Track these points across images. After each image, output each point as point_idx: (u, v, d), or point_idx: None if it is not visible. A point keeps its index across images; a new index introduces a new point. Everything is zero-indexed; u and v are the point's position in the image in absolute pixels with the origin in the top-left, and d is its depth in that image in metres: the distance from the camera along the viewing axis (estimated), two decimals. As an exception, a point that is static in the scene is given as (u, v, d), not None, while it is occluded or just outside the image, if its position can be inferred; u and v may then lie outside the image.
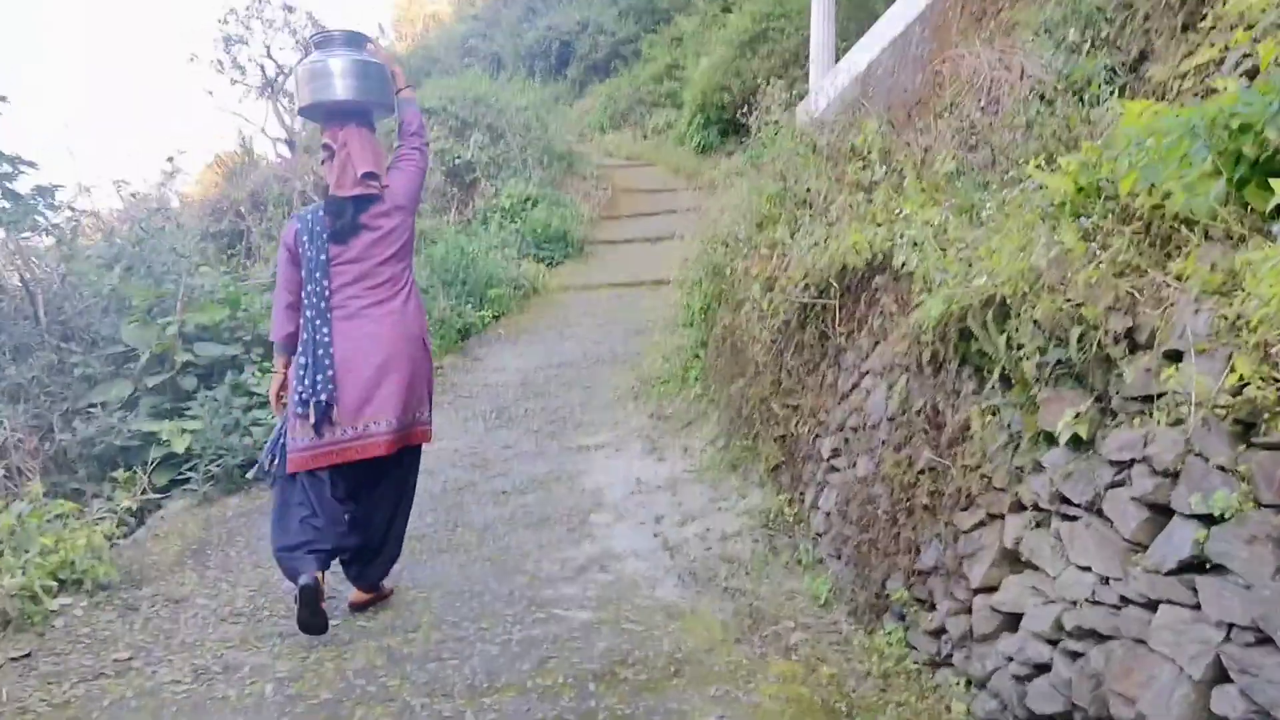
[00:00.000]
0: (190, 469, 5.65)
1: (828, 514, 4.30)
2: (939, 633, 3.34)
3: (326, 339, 3.65)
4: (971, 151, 4.62)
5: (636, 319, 10.13)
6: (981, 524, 3.15)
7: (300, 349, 3.71)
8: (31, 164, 7.46)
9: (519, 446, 6.48)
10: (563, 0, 29.41)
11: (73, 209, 8.45)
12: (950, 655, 3.25)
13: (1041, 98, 4.77)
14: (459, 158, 17.16)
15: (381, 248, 3.74)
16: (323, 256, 3.67)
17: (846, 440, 4.24)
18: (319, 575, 3.63)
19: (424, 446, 4.14)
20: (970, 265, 3.25)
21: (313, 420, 3.63)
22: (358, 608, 4.06)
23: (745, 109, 18.89)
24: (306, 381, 3.62)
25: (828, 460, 4.39)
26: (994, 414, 3.12)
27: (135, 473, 5.45)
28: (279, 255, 3.84)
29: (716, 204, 7.65)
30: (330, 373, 3.62)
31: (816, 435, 4.58)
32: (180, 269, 7.00)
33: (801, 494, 4.70)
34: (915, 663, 3.41)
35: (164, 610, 4.26)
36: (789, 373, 4.96)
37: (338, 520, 3.77)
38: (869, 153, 4.84)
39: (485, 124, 18.53)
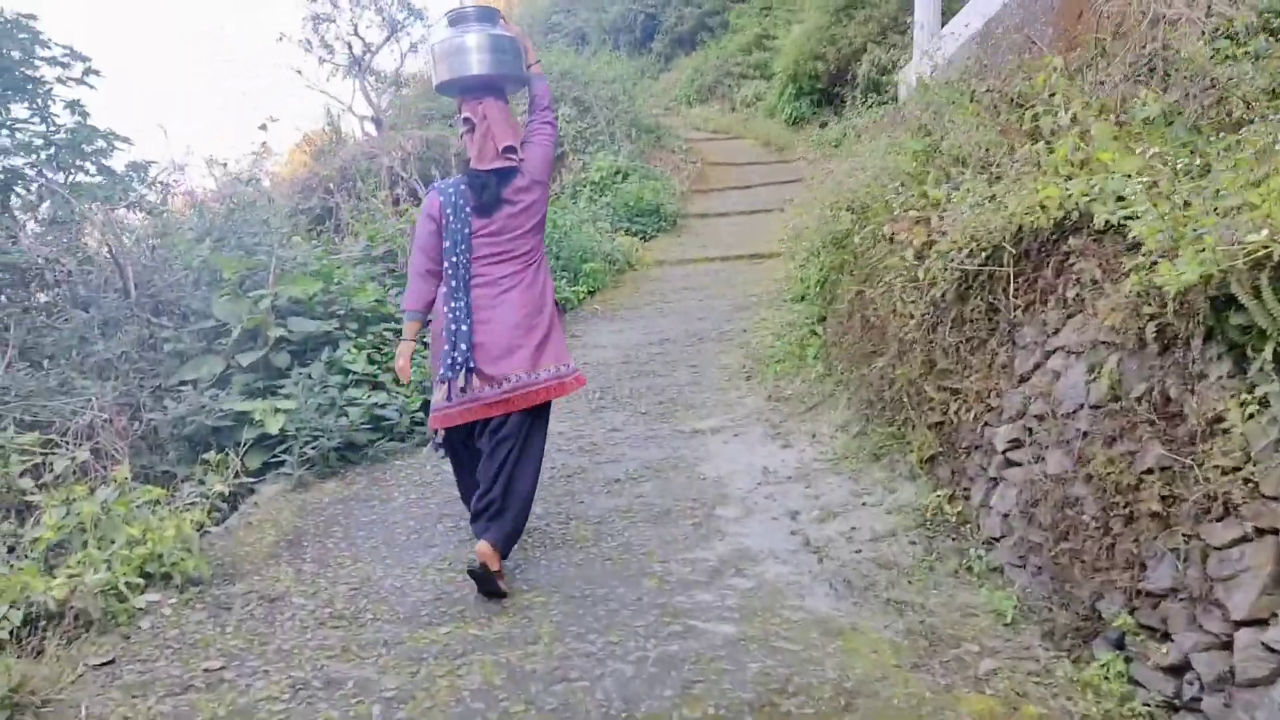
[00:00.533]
0: (285, 451, 5.23)
1: (1005, 516, 3.68)
2: (1179, 669, 2.71)
3: (464, 311, 3.75)
4: (1167, 93, 3.94)
5: (739, 294, 9.54)
6: (1244, 539, 2.52)
7: (446, 317, 3.79)
8: (126, 140, 7.15)
9: (628, 430, 5.95)
10: (648, -28, 28.76)
11: (164, 183, 8.18)
12: (1199, 699, 2.62)
13: (1230, 38, 4.07)
14: (547, 131, 16.68)
15: (522, 219, 3.82)
16: (466, 230, 3.74)
17: (1029, 430, 3.61)
18: (488, 554, 3.71)
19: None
20: (1225, 218, 2.60)
21: (460, 384, 3.76)
22: (480, 573, 3.74)
23: (842, 77, 18.11)
24: (454, 351, 3.73)
25: (1002, 453, 3.76)
26: (1263, 405, 2.48)
27: (227, 454, 5.06)
28: (420, 225, 3.91)
29: (841, 166, 6.94)
30: (467, 345, 3.72)
31: (985, 423, 3.96)
32: (271, 241, 6.60)
33: (965, 490, 4.08)
34: (1146, 705, 2.79)
35: (258, 610, 3.81)
36: (945, 351, 4.33)
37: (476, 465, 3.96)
38: (1051, 96, 4.16)
39: (572, 97, 18.01)
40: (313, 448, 5.21)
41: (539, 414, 3.97)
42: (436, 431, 4.04)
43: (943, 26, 15.77)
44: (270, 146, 14.86)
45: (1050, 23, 9.40)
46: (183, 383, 5.59)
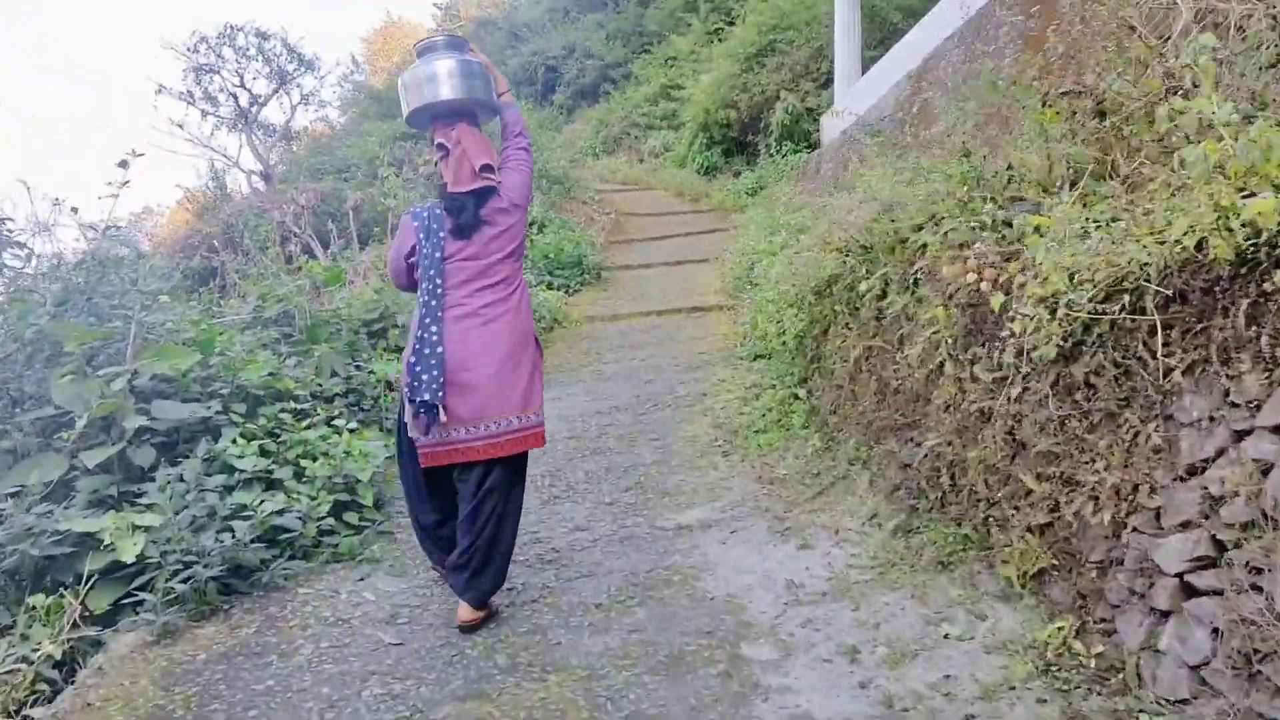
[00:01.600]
0: (145, 586, 3.80)
1: (1196, 667, 2.55)
2: None
3: (435, 338, 3.50)
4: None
5: (685, 351, 8.38)
6: None
7: (410, 345, 3.57)
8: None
9: (596, 528, 4.68)
10: (547, 26, 27.85)
11: (23, 246, 6.63)
12: None
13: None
14: (453, 181, 15.43)
15: (501, 243, 3.63)
16: (438, 254, 3.57)
17: (1220, 545, 2.51)
18: (472, 618, 3.62)
19: None
20: None
21: (423, 421, 3.53)
22: (468, 628, 3.64)
23: (754, 125, 17.30)
24: (416, 382, 3.48)
25: (1178, 575, 2.64)
26: None
27: (63, 595, 3.64)
28: (393, 250, 3.75)
29: (833, 204, 5.87)
30: (438, 374, 3.47)
31: (1133, 529, 2.84)
32: (133, 303, 5.17)
33: (1106, 623, 2.93)
34: None
35: None
36: (1043, 427, 3.22)
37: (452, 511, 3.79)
38: (1198, 84, 3.09)
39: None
40: (184, 579, 3.78)
41: (524, 460, 3.82)
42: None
43: (863, 72, 15.15)
44: (150, 205, 13.15)
45: (1010, 46, 8.64)
46: (13, 491, 4.13)
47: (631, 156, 22.16)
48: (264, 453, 4.71)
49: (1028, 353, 3.19)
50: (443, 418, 3.49)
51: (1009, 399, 3.38)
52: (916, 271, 4.37)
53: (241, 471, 4.39)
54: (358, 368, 6.38)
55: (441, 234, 3.60)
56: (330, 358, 6.21)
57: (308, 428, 5.01)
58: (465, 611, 3.62)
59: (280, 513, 4.33)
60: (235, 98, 22.65)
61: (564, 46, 26.33)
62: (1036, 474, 3.19)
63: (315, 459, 4.81)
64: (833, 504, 4.55)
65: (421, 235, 3.62)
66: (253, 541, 4.08)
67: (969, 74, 9.36)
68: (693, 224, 15.68)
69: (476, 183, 3.58)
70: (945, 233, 4.02)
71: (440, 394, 3.46)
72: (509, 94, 3.85)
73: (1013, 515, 3.28)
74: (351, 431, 4.96)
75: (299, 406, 5.16)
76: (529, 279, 11.24)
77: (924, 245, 4.30)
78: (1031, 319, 3.10)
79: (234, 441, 4.58)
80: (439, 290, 3.55)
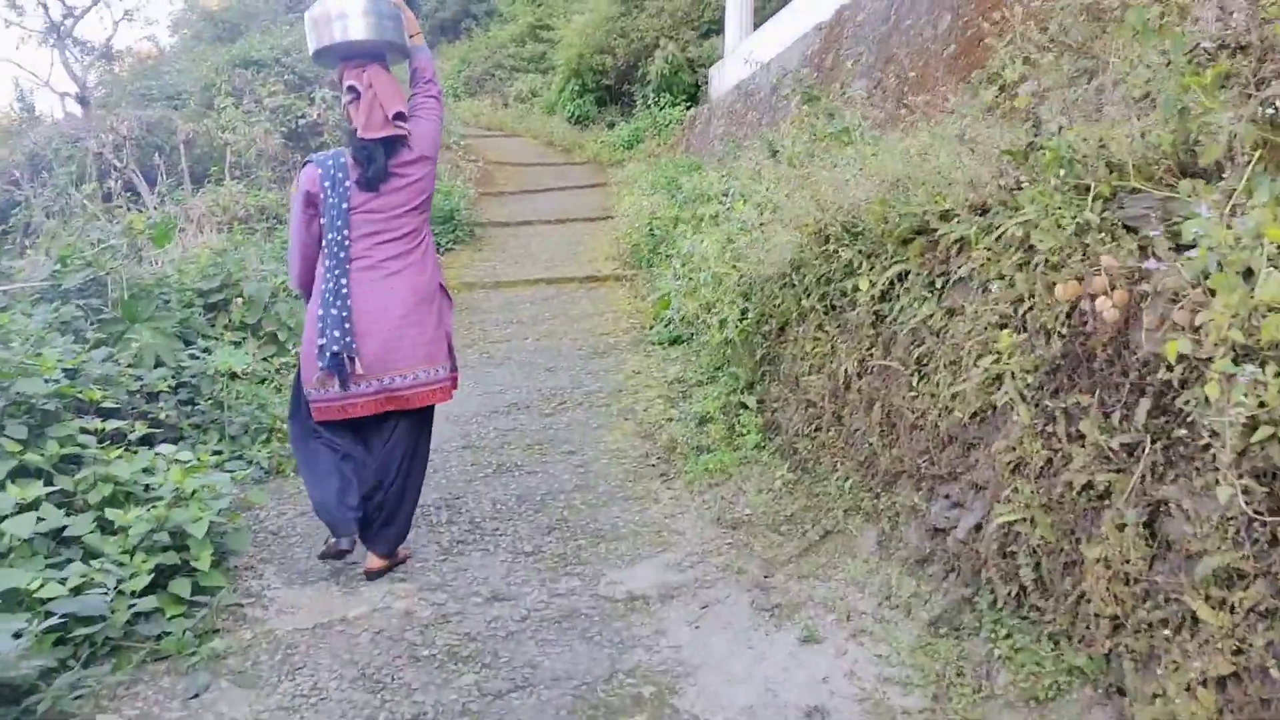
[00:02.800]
0: None
1: None
2: None
3: (345, 290, 3.36)
4: None
5: (583, 330, 7.19)
6: None
7: (319, 299, 3.39)
8: None
9: (521, 598, 3.45)
10: (403, -48, 25.61)
11: None
12: None
13: None
14: (302, 116, 13.60)
15: (409, 195, 3.46)
16: (344, 205, 3.38)
17: None
18: (380, 567, 3.57)
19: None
20: None
21: (334, 371, 3.37)
22: (374, 574, 3.59)
23: (631, 74, 16.04)
24: (327, 334, 3.34)
25: None
26: None
27: None
28: (295, 202, 3.47)
29: (802, 176, 4.75)
30: (348, 325, 3.35)
31: None
32: None
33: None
34: None
35: None
36: (1220, 527, 2.23)
37: (364, 475, 3.52)
38: None
39: (328, 80, 14.94)
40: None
41: (430, 414, 3.72)
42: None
43: (755, 26, 14.05)
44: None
45: (946, 9, 7.71)
46: None
47: (496, 100, 20.53)
48: (63, 499, 3.30)
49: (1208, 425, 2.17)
50: (357, 369, 3.37)
51: (1147, 477, 2.37)
52: (946, 272, 3.32)
53: (18, 537, 2.97)
54: (192, 356, 4.92)
55: (347, 183, 3.40)
56: (155, 343, 4.74)
57: (118, 453, 3.59)
58: (372, 561, 3.61)
59: (76, 590, 2.96)
60: (45, 7, 19.71)
61: (422, -24, 24.17)
62: (1208, 597, 2.21)
63: (129, 503, 3.42)
64: (828, 568, 3.48)
65: (326, 184, 3.41)
66: (26, 646, 2.71)
67: (895, 30, 8.43)
68: (568, 177, 14.36)
69: (388, 130, 3.38)
70: (1002, 229, 2.97)
71: (352, 343, 3.34)
72: (419, 36, 3.63)
73: (1165, 653, 2.29)
74: (182, 462, 3.55)
75: (108, 427, 3.71)
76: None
77: (961, 241, 3.25)
78: (1223, 378, 2.08)
79: (6, 485, 3.15)
80: (346, 242, 3.38)
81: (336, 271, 3.38)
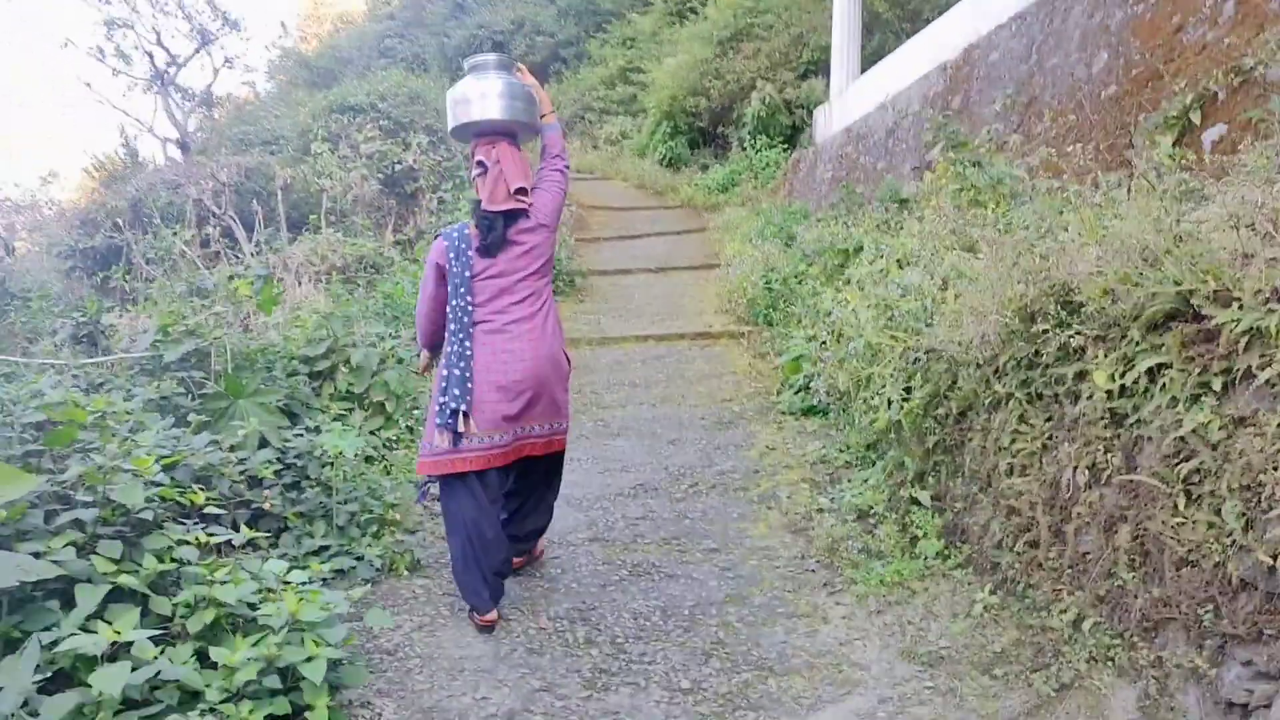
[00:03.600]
0: None
1: None
2: None
3: (469, 352, 3.52)
4: None
5: (702, 395, 6.58)
6: None
7: (443, 361, 3.59)
8: None
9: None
10: (494, -1, 25.61)
11: None
12: None
13: None
14: (398, 162, 13.32)
15: (526, 261, 3.59)
16: (467, 272, 3.55)
17: None
18: (496, 612, 3.60)
19: None
20: None
21: (450, 428, 3.48)
22: (515, 569, 3.98)
23: (726, 116, 15.49)
24: (449, 393, 3.49)
25: None
26: None
27: None
28: (426, 272, 3.70)
29: (991, 240, 4.11)
30: (469, 384, 3.50)
31: None
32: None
33: None
34: None
35: None
36: None
37: (495, 541, 3.58)
38: None
39: (424, 125, 14.71)
40: None
41: (559, 456, 3.92)
42: (428, 480, 3.73)
43: (862, 68, 13.42)
44: (55, 170, 10.89)
45: (1099, 46, 6.99)
46: None
47: (586, 143, 20.20)
48: (147, 621, 2.78)
49: None
50: (472, 427, 3.49)
51: None
52: (1229, 369, 2.64)
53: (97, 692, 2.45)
54: (298, 433, 4.43)
55: (469, 252, 3.58)
56: (260, 422, 4.25)
57: (224, 569, 3.06)
58: (520, 560, 4.03)
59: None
60: (151, 56, 20.00)
61: (512, 21, 24.17)
62: None
63: (234, 633, 2.89)
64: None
65: (451, 255, 3.60)
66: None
67: (1038, 70, 7.73)
68: (664, 221, 13.85)
69: (509, 204, 3.54)
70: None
71: (468, 403, 3.47)
72: (552, 114, 3.77)
73: None
74: (295, 585, 3.00)
75: (210, 536, 3.19)
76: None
77: (1253, 332, 2.57)
78: None
79: (88, 621, 2.64)
80: (469, 307, 3.55)
81: (460, 335, 3.54)
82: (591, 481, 5.14)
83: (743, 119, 15.74)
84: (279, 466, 4.17)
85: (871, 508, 4.32)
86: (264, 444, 4.33)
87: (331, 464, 4.14)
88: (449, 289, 3.60)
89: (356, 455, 4.19)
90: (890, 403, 4.36)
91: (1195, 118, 5.49)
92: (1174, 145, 5.58)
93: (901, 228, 7.40)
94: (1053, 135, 6.91)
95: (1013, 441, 3.55)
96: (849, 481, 4.76)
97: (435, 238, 3.71)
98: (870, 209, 8.46)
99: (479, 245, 3.56)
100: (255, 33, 33.48)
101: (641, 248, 12.16)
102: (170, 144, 20.62)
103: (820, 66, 15.71)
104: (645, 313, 9.01)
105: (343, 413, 4.94)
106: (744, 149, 15.72)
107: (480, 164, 3.59)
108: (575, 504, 4.81)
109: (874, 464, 4.76)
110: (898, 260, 5.85)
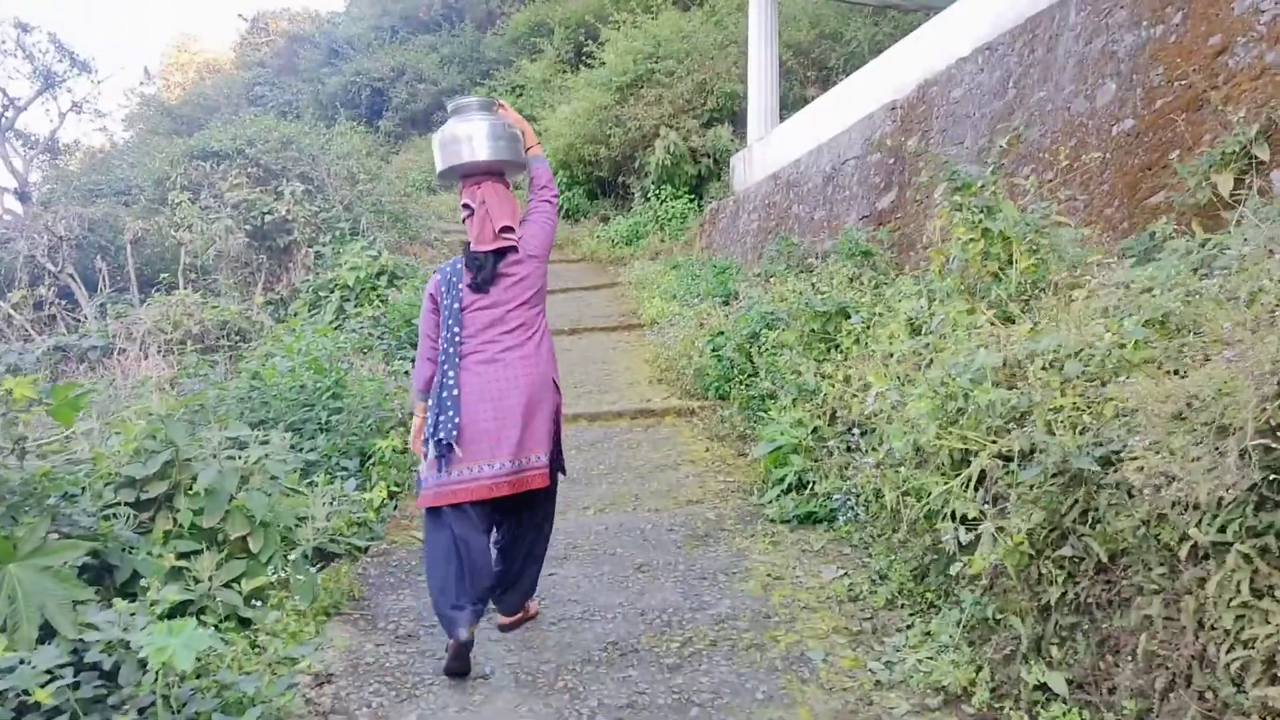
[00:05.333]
0: None
1: None
2: None
3: (453, 382, 3.48)
4: None
5: (660, 494, 5.18)
6: None
7: (432, 393, 3.52)
8: None
9: None
10: (373, 45, 23.93)
11: None
12: None
13: None
14: (269, 212, 11.54)
15: (516, 292, 3.54)
16: (456, 305, 3.52)
17: None
18: (473, 629, 3.35)
19: None
20: None
21: (438, 459, 3.42)
22: (506, 629, 3.74)
23: (628, 165, 14.26)
24: (433, 422, 3.44)
25: None
26: None
27: None
28: (423, 306, 3.67)
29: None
30: (453, 414, 3.42)
31: None
32: None
33: None
34: None
35: None
36: None
37: (483, 564, 3.44)
38: None
39: (297, 173, 12.96)
40: None
41: (550, 490, 3.71)
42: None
43: (782, 109, 12.37)
44: None
45: (1111, 75, 5.95)
46: None
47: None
48: None
49: None
50: (458, 453, 3.39)
51: None
52: None
53: None
54: (107, 612, 2.78)
55: (460, 286, 3.54)
56: (41, 596, 2.61)
57: None
58: (501, 620, 3.73)
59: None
60: (-15, 99, 17.57)
61: (392, 68, 22.55)
62: None
63: None
64: None
65: (444, 289, 3.56)
66: None
67: (1018, 105, 6.68)
68: (568, 277, 12.47)
69: (497, 243, 3.50)
70: None
71: (454, 433, 3.40)
72: (537, 147, 3.76)
73: None
74: None
75: None
76: (386, 347, 7.75)
77: None
78: None
79: None
80: (457, 339, 3.51)
81: (447, 366, 3.49)
82: (543, 640, 3.63)
83: (646, 168, 14.57)
84: (74, 662, 2.55)
85: (964, 689, 2.96)
86: (47, 635, 2.70)
87: (158, 675, 2.53)
88: (441, 321, 3.55)
89: (200, 659, 2.59)
90: (962, 526, 3.02)
91: (1262, 153, 4.45)
92: (1234, 185, 4.53)
93: (876, 286, 6.18)
94: (1050, 179, 5.84)
95: (1239, 624, 2.25)
96: (902, 633, 3.40)
97: (433, 274, 3.66)
98: (825, 263, 7.26)
99: (470, 281, 3.51)
100: (113, 78, 30.82)
101: (552, 306, 10.70)
102: (8, 194, 18.15)
103: (726, 114, 14.70)
104: (567, 384, 7.54)
105: (181, 564, 3.31)
106: (648, 199, 14.53)
107: (466, 206, 3.56)
108: (524, 684, 3.29)
109: (933, 606, 3.42)
110: (912, 328, 4.60)
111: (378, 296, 9.21)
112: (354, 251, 10.05)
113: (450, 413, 3.42)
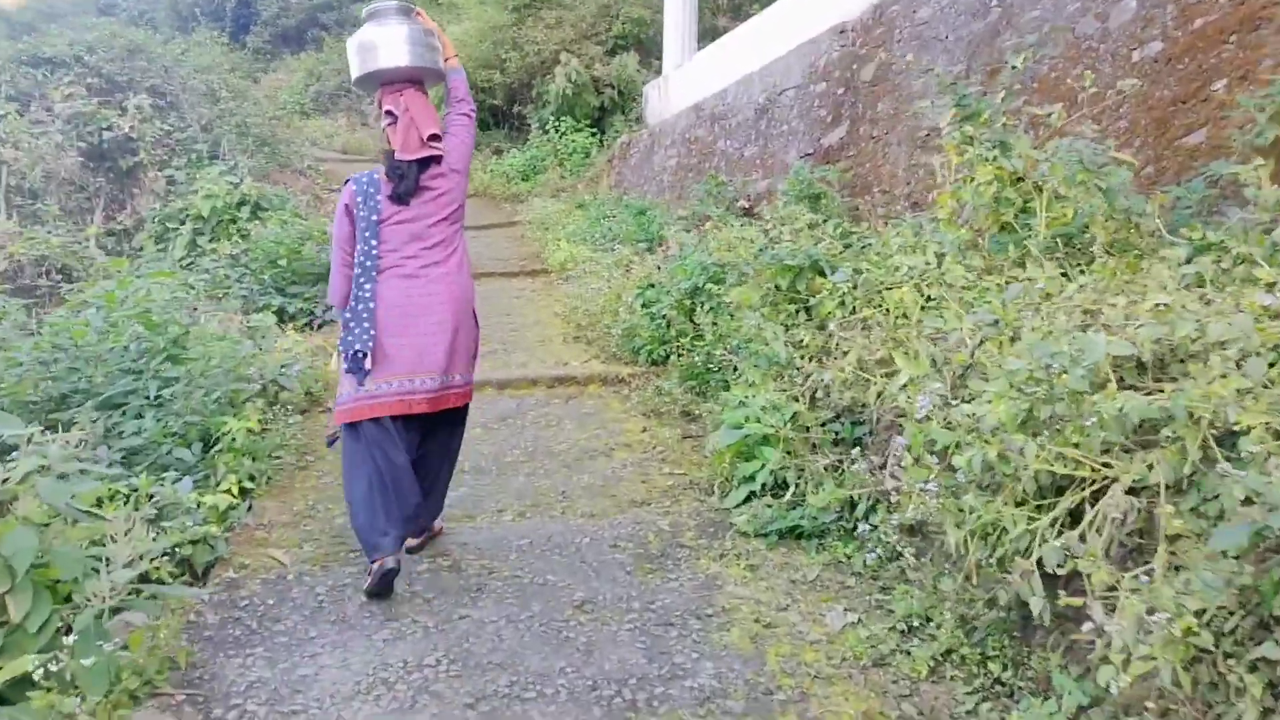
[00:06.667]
0: None
1: None
2: None
3: (369, 294, 3.32)
4: None
5: (593, 490, 4.12)
6: None
7: (348, 306, 3.34)
8: None
9: None
10: (238, -50, 21.38)
11: None
12: None
13: None
14: (108, 128, 9.73)
15: (438, 206, 3.39)
16: (374, 217, 3.35)
17: None
18: (399, 555, 3.19)
19: None
20: None
21: (353, 372, 3.28)
22: (411, 550, 3.53)
23: (524, 94, 12.85)
24: (349, 335, 3.29)
25: None
26: None
27: None
28: (336, 218, 3.47)
29: None
30: (368, 325, 3.29)
31: None
32: None
33: None
34: None
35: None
36: None
37: (408, 486, 3.28)
38: None
39: (147, 85, 11.09)
40: None
41: (462, 411, 3.61)
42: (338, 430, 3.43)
43: (700, 43, 11.11)
44: None
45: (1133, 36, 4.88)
46: None
47: (353, 119, 16.92)
48: None
49: None
50: (367, 365, 3.26)
51: None
52: None
53: None
54: None
55: (378, 198, 3.36)
56: None
57: None
58: (410, 541, 3.50)
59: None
60: None
61: (262, -22, 20.19)
62: None
63: None
64: None
65: (359, 199, 3.37)
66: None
67: (1005, 27, 5.64)
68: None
69: (424, 151, 3.35)
70: None
71: (370, 344, 3.27)
72: (455, 59, 3.59)
73: None
74: None
75: None
76: (246, 292, 6.34)
77: None
78: None
79: None
80: (374, 252, 3.34)
81: (363, 279, 3.32)
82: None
83: (545, 97, 13.17)
84: None
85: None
86: None
87: None
88: (356, 234, 3.36)
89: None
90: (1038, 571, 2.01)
91: (1352, 81, 3.55)
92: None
93: (843, 234, 5.13)
94: (1051, 116, 4.87)
95: None
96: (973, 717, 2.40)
97: (345, 183, 3.47)
98: (772, 206, 6.17)
99: (391, 193, 3.34)
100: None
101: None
102: None
103: (631, 40, 13.38)
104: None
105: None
106: (546, 132, 13.15)
107: (389, 113, 3.42)
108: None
109: (1002, 684, 2.42)
110: (927, 297, 3.57)
111: (238, 230, 7.68)
112: (211, 177, 8.42)
113: (366, 324, 3.28)
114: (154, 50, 11.78)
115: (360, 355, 3.25)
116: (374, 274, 3.32)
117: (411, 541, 3.51)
